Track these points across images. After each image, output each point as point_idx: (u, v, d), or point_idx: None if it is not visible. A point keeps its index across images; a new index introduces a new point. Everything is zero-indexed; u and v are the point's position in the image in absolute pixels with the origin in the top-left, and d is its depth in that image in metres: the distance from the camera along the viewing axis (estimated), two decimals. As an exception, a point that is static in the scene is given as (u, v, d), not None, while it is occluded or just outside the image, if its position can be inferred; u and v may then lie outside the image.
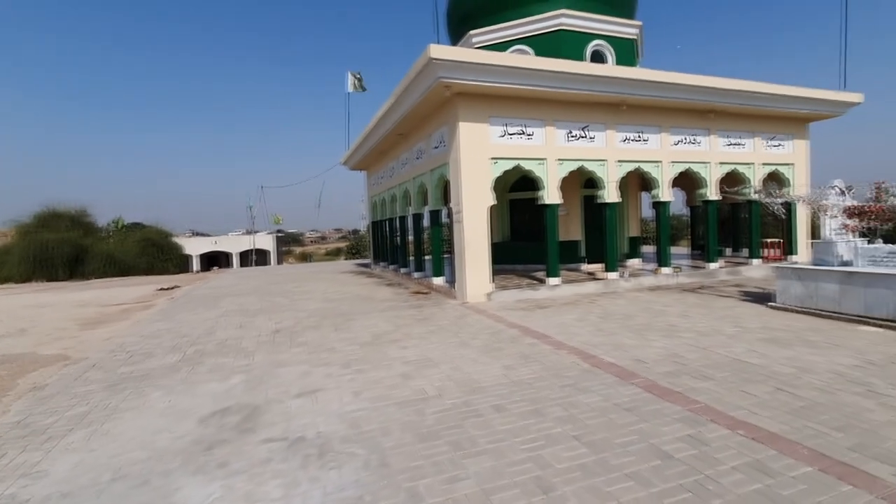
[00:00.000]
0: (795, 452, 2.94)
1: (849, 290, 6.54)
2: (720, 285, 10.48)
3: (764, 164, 12.34)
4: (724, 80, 10.62)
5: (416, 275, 13.15)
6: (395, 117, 10.99)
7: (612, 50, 13.35)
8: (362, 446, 3.28)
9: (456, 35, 14.95)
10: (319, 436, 3.48)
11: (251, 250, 40.53)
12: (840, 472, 2.70)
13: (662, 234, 11.36)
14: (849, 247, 7.09)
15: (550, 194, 9.82)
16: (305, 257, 54.41)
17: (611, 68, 10.26)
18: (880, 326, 6.05)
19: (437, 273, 11.40)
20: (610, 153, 10.41)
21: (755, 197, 11.11)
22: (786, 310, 7.36)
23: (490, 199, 9.41)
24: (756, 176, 12.14)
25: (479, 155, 9.27)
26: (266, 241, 43.09)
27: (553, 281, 9.92)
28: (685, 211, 19.55)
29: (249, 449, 3.32)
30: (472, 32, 13.49)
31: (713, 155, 11.63)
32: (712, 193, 11.61)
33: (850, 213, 7.22)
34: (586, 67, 9.41)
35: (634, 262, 13.71)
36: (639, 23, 13.82)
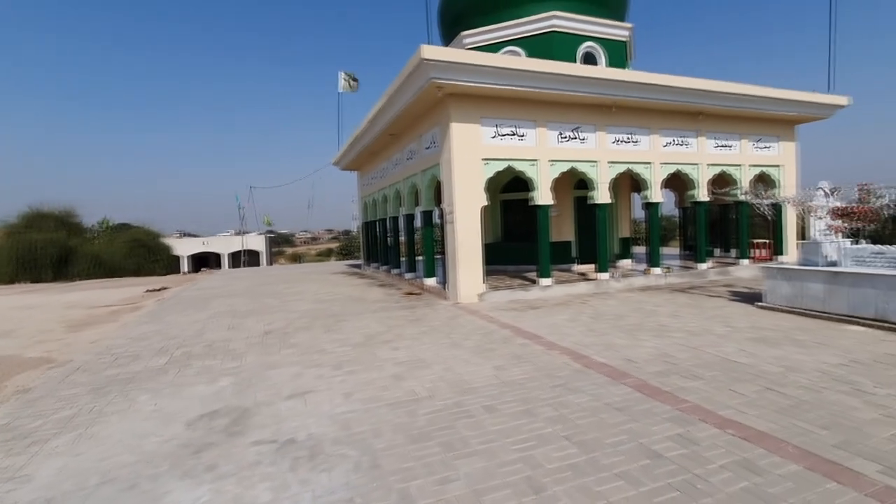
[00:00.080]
0: (783, 451, 2.97)
1: (835, 289, 6.63)
2: (710, 285, 10.59)
3: (752, 165, 12.50)
4: (713, 83, 10.75)
5: (407, 275, 13.13)
6: (387, 118, 10.97)
7: (603, 52, 13.44)
8: (353, 448, 3.26)
9: (448, 36, 14.96)
10: (310, 438, 3.45)
11: (242, 251, 40.21)
12: (826, 469, 2.74)
13: (653, 235, 11.45)
14: (835, 247, 7.20)
15: (542, 195, 9.86)
16: (297, 258, 54.10)
17: (601, 70, 10.34)
18: (866, 326, 6.14)
19: (429, 274, 11.38)
20: (601, 154, 10.48)
21: (744, 198, 11.26)
22: (774, 309, 7.46)
23: (482, 200, 9.43)
24: (745, 177, 12.30)
25: (472, 156, 9.28)
26: (257, 242, 42.78)
27: (545, 281, 9.95)
28: (676, 212, 19.78)
29: (238, 452, 3.29)
30: (463, 33, 13.51)
31: (703, 156, 11.76)
32: (702, 195, 11.74)
33: (835, 214, 7.33)
34: (577, 69, 9.46)
35: (626, 263, 13.81)
36: (630, 25, 13.96)
